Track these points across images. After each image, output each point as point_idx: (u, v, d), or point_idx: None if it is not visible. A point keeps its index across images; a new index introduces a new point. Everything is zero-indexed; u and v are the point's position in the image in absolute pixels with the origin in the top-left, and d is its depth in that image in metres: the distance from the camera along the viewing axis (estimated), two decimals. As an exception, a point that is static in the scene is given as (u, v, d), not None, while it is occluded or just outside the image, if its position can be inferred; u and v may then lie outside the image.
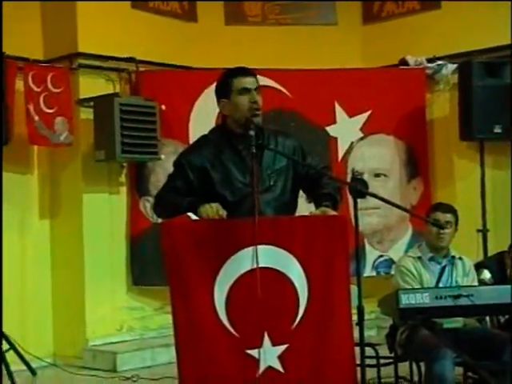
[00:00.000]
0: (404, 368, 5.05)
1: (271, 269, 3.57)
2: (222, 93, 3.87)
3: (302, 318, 3.60)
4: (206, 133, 4.00)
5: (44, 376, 6.58)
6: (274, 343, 3.56)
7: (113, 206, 7.31)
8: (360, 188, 3.78)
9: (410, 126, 7.83)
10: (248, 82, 3.83)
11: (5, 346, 6.05)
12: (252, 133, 3.65)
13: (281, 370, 3.57)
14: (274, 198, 3.82)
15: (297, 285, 3.60)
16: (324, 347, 3.63)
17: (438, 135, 7.94)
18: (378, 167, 7.84)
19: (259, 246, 3.50)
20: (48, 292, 7.24)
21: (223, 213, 3.62)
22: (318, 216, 3.72)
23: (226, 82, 3.86)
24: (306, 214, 3.78)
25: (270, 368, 3.56)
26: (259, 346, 3.52)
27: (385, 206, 4.28)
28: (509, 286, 4.37)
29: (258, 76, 3.91)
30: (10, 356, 6.08)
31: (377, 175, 7.81)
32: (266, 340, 3.54)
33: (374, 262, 7.79)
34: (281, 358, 3.57)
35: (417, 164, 7.91)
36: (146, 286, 7.35)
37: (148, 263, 7.17)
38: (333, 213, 3.71)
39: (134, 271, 7.37)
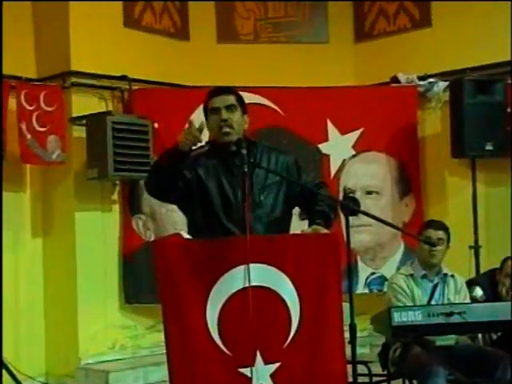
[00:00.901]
0: (397, 386, 5.05)
1: (263, 287, 3.56)
2: (204, 115, 3.94)
3: (294, 336, 3.60)
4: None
5: (36, 395, 6.58)
6: (267, 361, 3.55)
7: (105, 224, 7.30)
8: (352, 206, 3.79)
9: (402, 144, 7.85)
10: (216, 101, 3.85)
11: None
12: (244, 151, 3.65)
13: (273, 388, 3.57)
14: (264, 213, 3.83)
15: (289, 303, 3.59)
16: (316, 365, 3.62)
17: (429, 152, 7.95)
18: (370, 184, 7.85)
19: (251, 265, 3.50)
20: (40, 310, 7.22)
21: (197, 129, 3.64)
22: (310, 234, 3.72)
23: (204, 104, 3.91)
24: (298, 231, 3.78)
25: (262, 386, 3.55)
26: (251, 364, 3.51)
27: (377, 223, 4.28)
28: (500, 304, 4.39)
29: (243, 93, 3.94)
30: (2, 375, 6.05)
31: (369, 192, 7.81)
32: (259, 358, 3.53)
33: (367, 279, 7.79)
34: (273, 376, 3.56)
35: (409, 181, 7.92)
36: (139, 304, 7.34)
37: (140, 281, 7.15)
38: (324, 231, 3.72)
39: (127, 289, 7.35)
